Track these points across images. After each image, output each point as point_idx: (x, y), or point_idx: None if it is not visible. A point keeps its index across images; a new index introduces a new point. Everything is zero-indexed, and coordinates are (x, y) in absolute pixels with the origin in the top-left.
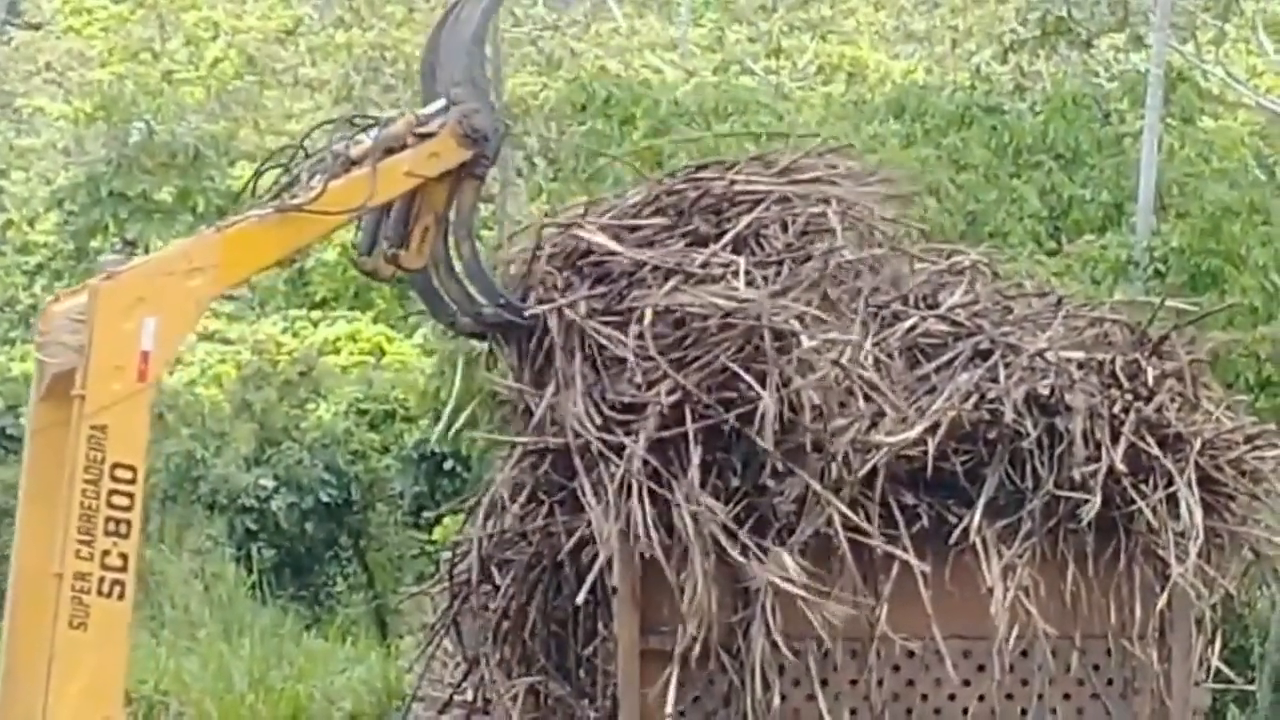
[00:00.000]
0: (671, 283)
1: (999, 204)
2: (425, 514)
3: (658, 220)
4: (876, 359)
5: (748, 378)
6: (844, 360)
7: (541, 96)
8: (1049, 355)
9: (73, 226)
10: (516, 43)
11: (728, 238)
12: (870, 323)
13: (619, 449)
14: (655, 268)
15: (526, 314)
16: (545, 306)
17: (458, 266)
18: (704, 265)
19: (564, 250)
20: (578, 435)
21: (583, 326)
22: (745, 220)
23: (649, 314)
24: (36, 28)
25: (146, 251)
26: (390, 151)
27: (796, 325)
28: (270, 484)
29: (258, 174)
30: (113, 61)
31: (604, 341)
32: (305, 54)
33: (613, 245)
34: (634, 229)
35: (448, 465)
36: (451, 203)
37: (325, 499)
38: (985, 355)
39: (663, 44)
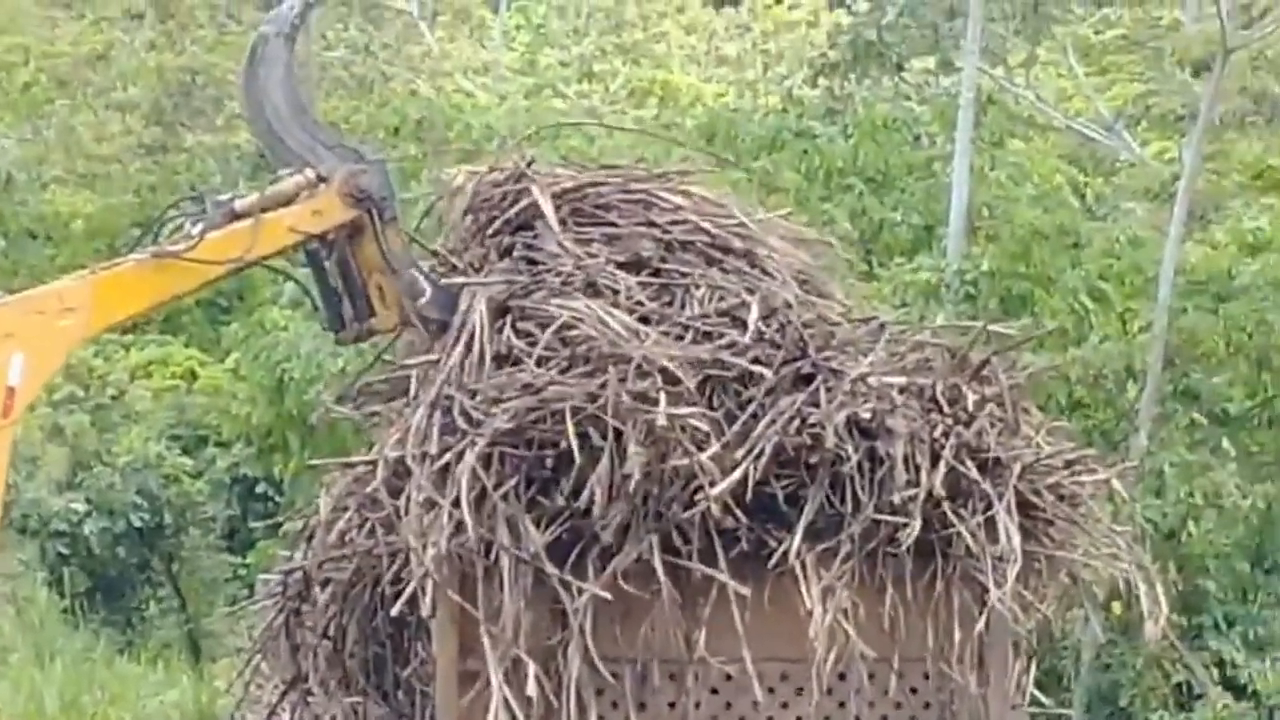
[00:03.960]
0: (580, 300)
1: (810, 227)
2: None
3: (609, 218)
4: (712, 392)
5: (578, 433)
6: (688, 436)
7: (353, 120)
8: (871, 380)
9: None
10: (328, 66)
11: (658, 279)
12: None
13: (446, 464)
14: (574, 274)
15: (441, 283)
16: (451, 281)
17: (423, 300)
18: (621, 294)
19: (509, 216)
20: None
21: (475, 315)
22: (684, 271)
23: (544, 327)
24: None
25: None
26: (274, 208)
27: (662, 396)
28: (82, 508)
29: (160, 222)
30: None
31: (484, 341)
32: (116, 78)
33: (554, 222)
34: (581, 214)
35: (260, 489)
36: (384, 253)
37: (137, 523)
38: (808, 380)
39: (475, 67)
